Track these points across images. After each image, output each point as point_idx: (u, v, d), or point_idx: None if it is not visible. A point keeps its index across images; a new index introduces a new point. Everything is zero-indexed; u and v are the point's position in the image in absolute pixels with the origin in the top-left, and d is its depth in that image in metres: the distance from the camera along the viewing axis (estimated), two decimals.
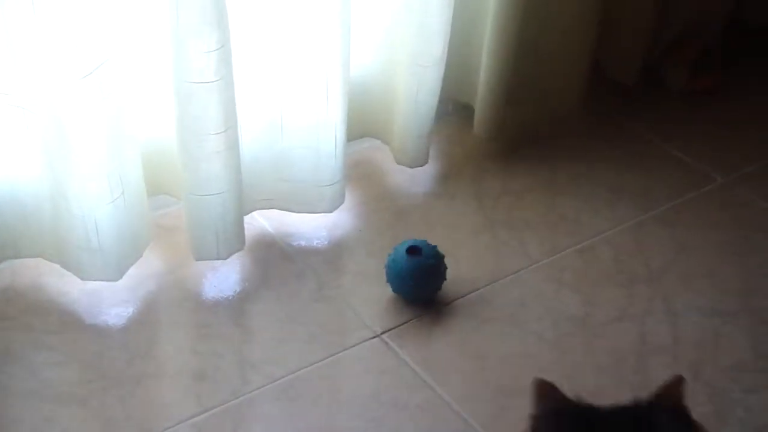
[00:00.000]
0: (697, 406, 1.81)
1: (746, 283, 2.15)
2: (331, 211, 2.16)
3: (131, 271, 2.00)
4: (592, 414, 1.27)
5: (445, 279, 2.03)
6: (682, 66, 2.68)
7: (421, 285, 2.00)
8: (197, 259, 2.04)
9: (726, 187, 2.41)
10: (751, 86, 2.75)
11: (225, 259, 2.04)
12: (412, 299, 2.02)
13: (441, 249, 2.03)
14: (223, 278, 2.06)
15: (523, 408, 1.80)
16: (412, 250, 1.98)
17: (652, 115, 2.63)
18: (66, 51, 1.67)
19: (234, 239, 2.04)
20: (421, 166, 2.31)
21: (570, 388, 1.84)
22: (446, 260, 2.03)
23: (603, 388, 1.88)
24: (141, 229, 1.99)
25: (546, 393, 1.23)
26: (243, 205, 2.04)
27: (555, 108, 2.48)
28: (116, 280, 1.96)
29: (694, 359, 1.96)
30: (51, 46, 1.66)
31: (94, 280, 1.96)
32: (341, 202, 2.18)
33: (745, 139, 2.57)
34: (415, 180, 2.34)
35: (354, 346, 1.94)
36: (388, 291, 2.03)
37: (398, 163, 2.31)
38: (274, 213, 2.17)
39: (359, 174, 2.33)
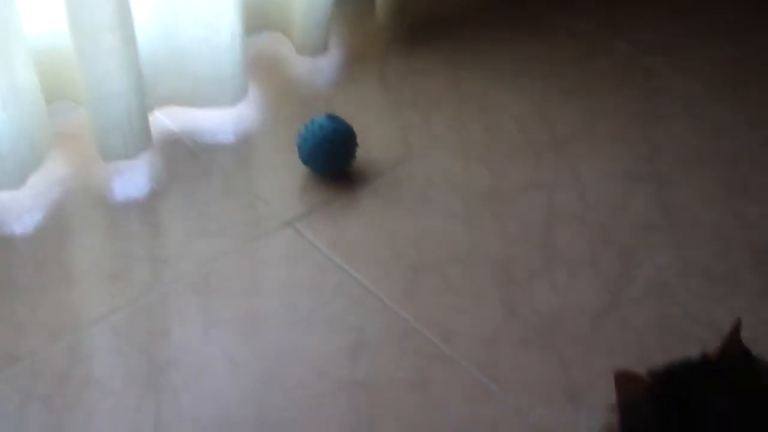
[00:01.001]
0: (607, 268, 1.86)
1: (651, 147, 2.17)
2: (234, 105, 2.15)
3: (35, 178, 1.98)
4: (675, 387, 1.22)
5: (355, 157, 2.04)
6: None
7: (336, 150, 2.01)
8: (105, 160, 2.02)
9: (631, 55, 2.42)
10: None
11: (133, 158, 2.03)
12: (323, 168, 2.03)
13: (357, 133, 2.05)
14: (129, 178, 2.05)
15: (435, 281, 1.84)
16: (330, 116, 2.01)
17: None
18: None
19: (141, 137, 2.02)
20: (322, 54, 2.30)
21: (480, 259, 1.87)
22: (361, 144, 2.06)
23: (514, 257, 1.91)
24: (40, 135, 1.96)
25: (628, 381, 1.20)
26: (146, 103, 2.02)
27: None
28: (17, 188, 1.94)
29: (603, 223, 1.99)
30: None
31: None
32: (244, 96, 2.16)
33: (649, 9, 2.57)
34: (318, 69, 2.33)
35: (265, 234, 1.95)
36: (296, 180, 2.04)
37: (299, 53, 2.29)
38: (179, 111, 2.15)
39: (261, 67, 2.32)
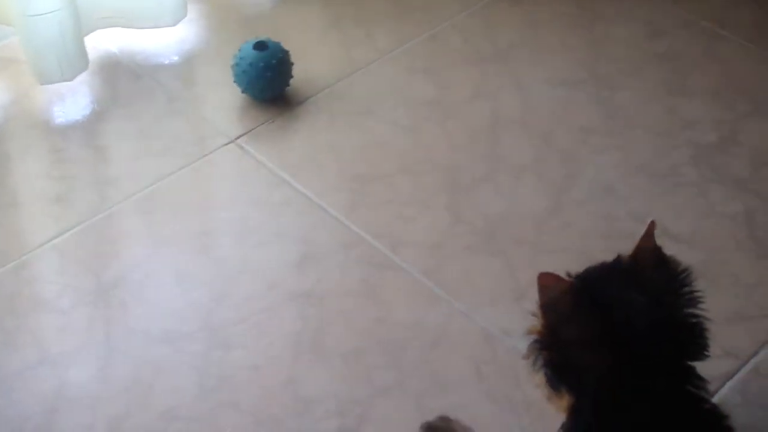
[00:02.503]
0: (551, 172, 1.87)
1: (591, 52, 2.18)
2: (174, 25, 2.14)
3: None
4: (592, 286, 1.27)
5: (292, 77, 2.03)
6: None
7: (269, 78, 2.00)
8: (42, 84, 2.01)
9: None
10: None
11: (70, 80, 2.02)
12: (261, 96, 2.03)
13: (291, 52, 2.03)
14: (71, 102, 2.04)
15: (381, 191, 1.84)
16: (258, 45, 1.98)
17: None
18: None
19: (77, 59, 2.01)
20: None
21: (425, 168, 1.88)
22: (297, 61, 2.04)
23: (459, 164, 1.92)
24: None
25: (549, 283, 1.24)
26: (82, 24, 2.00)
27: None
28: None
29: (545, 128, 2.00)
30: None
31: None
32: (184, 15, 2.15)
33: None
34: None
35: (210, 153, 1.95)
36: (240, 98, 2.04)
37: None
38: (118, 32, 2.13)
39: None
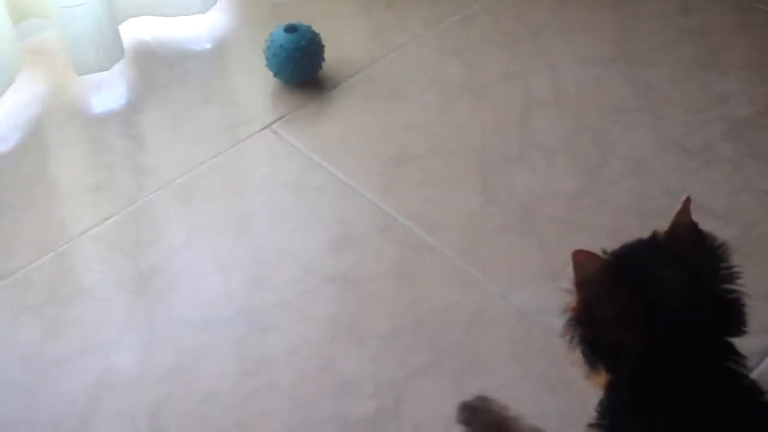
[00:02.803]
0: (583, 151, 1.87)
1: (622, 30, 2.17)
2: (205, 12, 2.15)
3: (11, 98, 1.99)
4: (627, 263, 1.27)
5: (324, 60, 2.04)
6: None
7: (299, 60, 2.00)
8: (80, 74, 2.02)
9: None
10: None
11: (107, 69, 2.03)
12: (293, 80, 2.04)
13: (322, 36, 2.04)
14: (107, 91, 2.06)
15: (414, 173, 1.85)
16: (289, 28, 2.00)
17: None
18: None
19: (113, 49, 2.02)
20: None
21: (457, 149, 1.89)
22: (328, 46, 2.05)
23: (491, 145, 1.92)
24: (9, 55, 1.96)
25: (584, 260, 1.24)
26: (116, 14, 2.02)
27: None
28: None
29: (576, 107, 2.01)
30: None
31: None
32: (214, 2, 2.16)
33: None
34: None
35: (245, 139, 1.96)
36: (272, 83, 2.05)
37: None
38: (151, 20, 2.15)
39: None
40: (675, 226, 1.28)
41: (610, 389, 1.30)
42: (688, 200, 1.26)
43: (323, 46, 2.04)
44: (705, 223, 1.34)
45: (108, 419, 1.55)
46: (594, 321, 1.27)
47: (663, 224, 1.28)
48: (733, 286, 1.26)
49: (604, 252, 1.27)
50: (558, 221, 1.80)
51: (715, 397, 1.25)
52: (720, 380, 1.27)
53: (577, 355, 1.33)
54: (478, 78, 2.07)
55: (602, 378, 1.31)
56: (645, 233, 1.30)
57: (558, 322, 1.32)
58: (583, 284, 1.26)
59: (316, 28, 2.04)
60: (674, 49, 2.11)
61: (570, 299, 1.36)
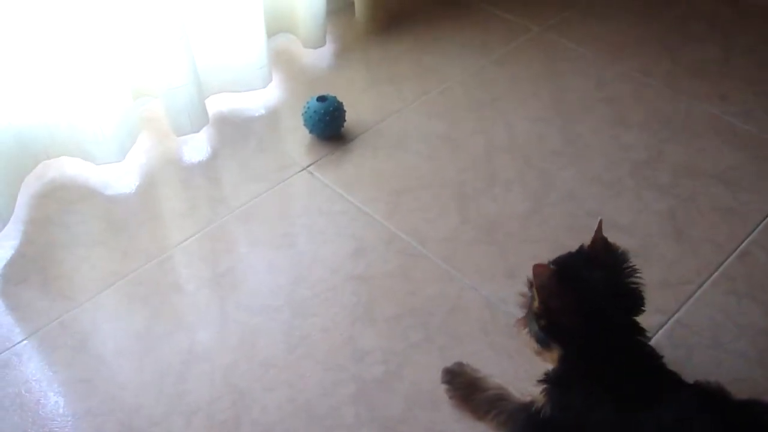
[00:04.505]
0: (531, 184, 1.84)
1: (557, 98, 2.15)
2: (264, 88, 2.12)
3: (132, 153, 1.98)
4: (567, 269, 1.28)
5: (345, 121, 2.02)
6: None
7: (328, 122, 1.98)
8: (177, 135, 2.00)
9: (540, 34, 2.39)
10: None
11: (197, 132, 2.01)
12: (323, 136, 2.01)
13: (344, 103, 2.02)
14: (195, 147, 2.03)
15: (410, 201, 1.83)
16: (320, 98, 1.98)
17: None
18: None
19: (201, 117, 2.00)
20: (322, 47, 2.27)
21: (441, 183, 1.86)
22: (347, 111, 2.02)
23: (465, 180, 1.90)
24: (132, 123, 1.95)
25: (540, 271, 1.25)
26: (204, 91, 2.00)
27: None
28: (120, 160, 1.93)
29: (526, 153, 1.98)
30: None
31: (105, 163, 1.92)
32: (270, 80, 2.13)
33: None
34: (319, 58, 2.30)
35: (288, 179, 1.93)
36: (308, 138, 2.03)
37: (305, 47, 2.26)
38: (226, 95, 2.12)
39: (280, 59, 2.29)
40: (594, 240, 1.30)
41: (563, 359, 1.31)
42: (600, 222, 1.29)
43: (345, 111, 2.01)
44: (616, 236, 1.33)
45: (195, 378, 1.53)
46: (549, 313, 1.28)
47: (586, 237, 1.30)
48: (633, 280, 1.28)
49: (551, 263, 1.28)
50: (514, 235, 1.77)
51: (630, 360, 1.27)
52: (632, 349, 1.29)
53: (531, 339, 1.34)
54: (455, 133, 2.05)
55: (555, 353, 1.32)
56: (575, 244, 1.31)
57: (514, 308, 1.31)
58: (540, 288, 1.27)
59: (339, 97, 2.01)
60: (592, 111, 2.09)
61: (522, 297, 1.36)
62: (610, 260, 1.31)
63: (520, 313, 1.38)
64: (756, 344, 1.53)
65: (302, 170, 1.94)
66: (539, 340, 1.33)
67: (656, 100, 2.11)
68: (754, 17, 2.38)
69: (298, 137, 2.03)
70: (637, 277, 1.29)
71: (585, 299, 1.27)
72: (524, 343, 1.37)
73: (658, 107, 2.09)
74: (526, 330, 1.36)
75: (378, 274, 1.70)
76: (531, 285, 1.32)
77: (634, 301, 1.30)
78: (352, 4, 2.38)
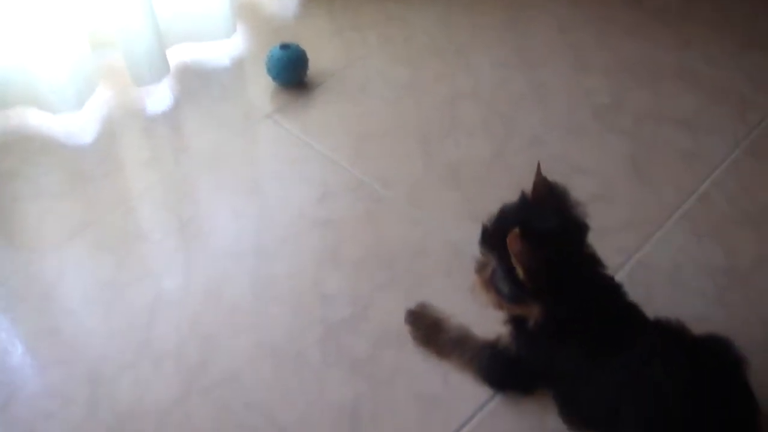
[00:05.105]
0: (495, 129, 1.85)
1: (521, 44, 2.14)
2: (228, 38, 2.10)
3: (91, 103, 1.96)
4: (531, 227, 1.24)
5: (309, 68, 2.01)
6: None
7: (291, 69, 1.98)
8: (137, 86, 1.98)
9: None
10: None
11: (158, 82, 1.99)
12: (287, 83, 2.00)
13: (307, 50, 2.00)
14: (156, 96, 2.02)
15: (375, 147, 1.83)
16: (283, 46, 1.97)
17: None
18: None
19: (161, 67, 1.98)
20: None
21: (405, 129, 1.86)
22: (311, 59, 2.01)
23: (430, 126, 1.90)
24: (89, 72, 1.93)
25: (512, 240, 1.22)
26: (164, 41, 1.98)
27: None
28: (79, 110, 1.91)
29: (489, 98, 1.98)
30: None
31: (62, 113, 1.90)
32: (234, 30, 2.11)
33: None
34: (283, 7, 2.28)
35: (253, 126, 1.93)
36: (272, 86, 2.01)
37: None
38: (188, 45, 2.10)
39: (245, 7, 2.26)
40: (536, 184, 1.29)
41: (543, 313, 1.27)
42: (539, 165, 1.29)
43: (308, 59, 2.00)
44: (579, 178, 1.35)
45: (162, 325, 1.54)
46: (533, 274, 1.23)
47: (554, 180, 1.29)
48: (579, 214, 1.27)
49: (493, 219, 1.29)
50: (478, 179, 1.78)
51: (598, 288, 1.28)
52: (598, 279, 1.28)
53: (497, 299, 1.30)
54: (418, 79, 2.04)
55: (533, 309, 1.28)
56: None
57: (475, 250, 1.32)
58: (518, 255, 1.22)
59: (302, 44, 2.00)
60: (556, 57, 2.09)
61: (481, 261, 1.32)
62: (555, 199, 1.29)
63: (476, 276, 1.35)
64: (715, 282, 1.55)
65: (266, 117, 1.94)
66: (512, 300, 1.29)
67: (619, 46, 2.11)
68: None
69: (261, 85, 2.02)
70: (581, 210, 1.27)
71: (554, 249, 1.25)
72: (486, 303, 1.33)
73: (621, 53, 2.09)
74: (491, 292, 1.31)
75: (343, 219, 1.70)
76: (486, 248, 1.30)
77: (582, 231, 1.28)
78: None
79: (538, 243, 1.21)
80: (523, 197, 1.29)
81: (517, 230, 1.19)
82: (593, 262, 1.29)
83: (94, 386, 1.45)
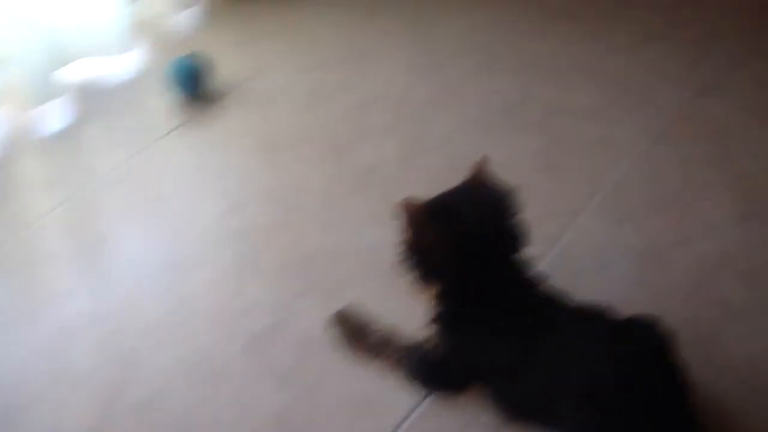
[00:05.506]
0: (406, 131, 1.83)
1: (428, 47, 2.14)
2: (126, 53, 2.05)
3: None
4: (440, 204, 1.25)
5: (213, 79, 1.97)
6: None
7: (194, 79, 1.93)
8: (36, 104, 1.91)
9: None
10: None
11: (57, 100, 1.93)
12: (191, 95, 1.95)
13: (211, 62, 1.96)
14: (57, 116, 1.94)
15: (285, 155, 1.79)
16: (186, 58, 1.94)
17: None
18: None
19: (59, 84, 1.93)
20: (191, 6, 2.19)
21: (316, 136, 1.83)
22: (215, 71, 1.97)
23: (340, 131, 1.88)
24: None
25: (409, 206, 1.21)
26: (60, 60, 1.92)
27: None
28: None
29: (398, 102, 1.97)
30: None
31: None
32: (133, 46, 2.06)
33: None
34: (184, 21, 2.23)
35: (159, 140, 1.88)
36: (176, 98, 1.96)
37: (174, 8, 2.18)
38: (87, 62, 2.04)
39: (144, 23, 2.20)
40: (473, 175, 1.28)
41: (442, 295, 1.28)
42: (483, 157, 1.27)
43: (211, 69, 1.96)
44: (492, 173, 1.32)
45: (77, 350, 1.47)
46: (421, 249, 1.25)
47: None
48: (513, 218, 1.26)
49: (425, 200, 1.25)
50: (392, 181, 1.76)
51: (512, 295, 1.26)
52: (512, 282, 1.27)
53: (412, 277, 1.30)
54: (326, 86, 2.02)
55: (432, 290, 1.29)
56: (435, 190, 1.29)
57: (395, 253, 1.30)
58: (411, 223, 1.23)
59: (206, 58, 1.96)
60: (463, 60, 2.09)
61: (403, 237, 1.32)
62: (488, 195, 1.28)
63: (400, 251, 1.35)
64: (636, 265, 1.56)
65: (172, 131, 1.88)
66: (417, 278, 1.30)
67: (524, 44, 2.13)
68: None
69: (165, 99, 1.96)
70: (516, 215, 1.27)
71: (458, 234, 1.24)
72: (410, 283, 1.34)
73: (526, 50, 2.11)
74: (406, 268, 1.32)
75: (258, 227, 1.66)
76: (405, 224, 1.29)
77: (513, 238, 1.28)
78: None
79: (443, 222, 1.22)
80: (460, 185, 1.28)
81: (411, 200, 1.20)
82: (510, 264, 1.28)
83: (5, 422, 1.37)
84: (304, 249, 1.62)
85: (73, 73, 2.01)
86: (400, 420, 1.34)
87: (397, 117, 1.92)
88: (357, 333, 1.44)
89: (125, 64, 2.06)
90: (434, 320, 1.33)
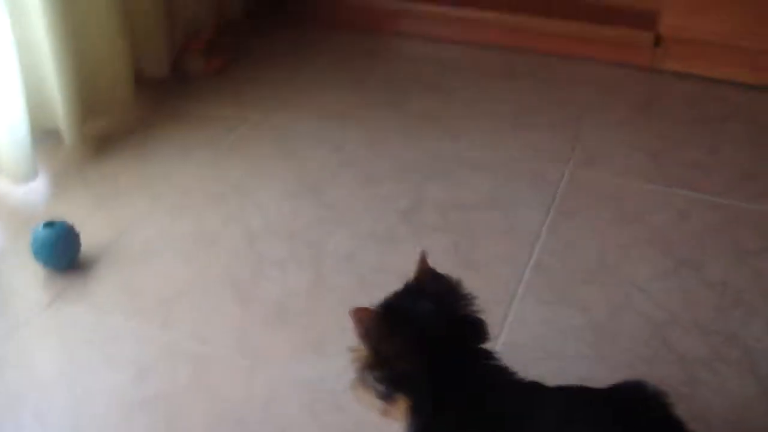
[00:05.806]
0: (303, 255, 1.71)
1: (300, 173, 2.05)
2: None
3: None
4: (392, 307, 1.14)
5: (80, 245, 1.77)
6: (197, 55, 2.52)
7: (61, 249, 1.74)
8: None
9: (259, 121, 2.27)
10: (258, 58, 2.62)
11: None
12: (60, 266, 1.75)
13: (75, 226, 1.77)
14: None
15: (181, 306, 1.62)
16: (47, 226, 1.73)
17: (191, 94, 2.43)
18: None
19: None
20: (33, 180, 2.00)
21: (210, 281, 1.68)
22: (83, 233, 1.78)
23: (234, 271, 1.73)
24: None
25: (361, 315, 1.09)
26: None
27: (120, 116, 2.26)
28: None
29: (286, 228, 1.85)
30: None
31: None
32: None
33: (260, 88, 2.44)
34: (33, 191, 2.01)
35: (31, 320, 1.64)
36: (43, 271, 1.75)
37: (15, 183, 1.98)
38: None
39: None
40: (418, 272, 1.19)
41: (413, 408, 1.15)
42: (423, 253, 1.19)
43: (78, 234, 1.77)
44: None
45: None
46: (382, 361, 1.13)
47: (379, 292, 1.17)
48: (470, 308, 1.17)
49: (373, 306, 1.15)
50: (305, 309, 1.63)
51: (483, 385, 1.16)
52: (483, 371, 1.17)
53: (371, 398, 1.17)
54: (205, 228, 1.88)
55: (401, 404, 1.16)
56: (371, 300, 1.18)
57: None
58: (366, 335, 1.12)
59: (74, 222, 1.78)
60: (339, 175, 2.02)
61: (356, 353, 1.20)
62: (440, 290, 1.19)
63: (354, 373, 1.22)
64: (585, 342, 1.48)
65: (46, 307, 1.67)
66: (381, 395, 1.17)
67: (396, 150, 2.09)
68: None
69: (31, 275, 1.75)
70: (473, 304, 1.18)
71: (418, 335, 1.14)
72: (368, 405, 1.20)
73: (400, 156, 2.06)
74: (365, 388, 1.19)
75: (171, 391, 1.47)
76: (360, 335, 1.17)
77: (475, 328, 1.19)
78: (57, 130, 2.12)
79: (400, 326, 1.12)
80: (406, 285, 1.18)
81: (362, 307, 1.11)
82: (478, 355, 1.18)
83: None
84: (229, 402, 1.44)
85: None
86: None
87: (291, 245, 1.79)
88: None
89: None
90: None
